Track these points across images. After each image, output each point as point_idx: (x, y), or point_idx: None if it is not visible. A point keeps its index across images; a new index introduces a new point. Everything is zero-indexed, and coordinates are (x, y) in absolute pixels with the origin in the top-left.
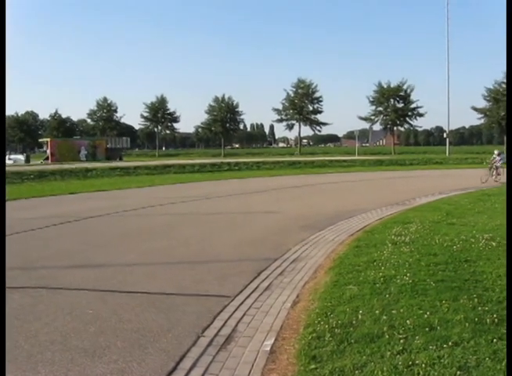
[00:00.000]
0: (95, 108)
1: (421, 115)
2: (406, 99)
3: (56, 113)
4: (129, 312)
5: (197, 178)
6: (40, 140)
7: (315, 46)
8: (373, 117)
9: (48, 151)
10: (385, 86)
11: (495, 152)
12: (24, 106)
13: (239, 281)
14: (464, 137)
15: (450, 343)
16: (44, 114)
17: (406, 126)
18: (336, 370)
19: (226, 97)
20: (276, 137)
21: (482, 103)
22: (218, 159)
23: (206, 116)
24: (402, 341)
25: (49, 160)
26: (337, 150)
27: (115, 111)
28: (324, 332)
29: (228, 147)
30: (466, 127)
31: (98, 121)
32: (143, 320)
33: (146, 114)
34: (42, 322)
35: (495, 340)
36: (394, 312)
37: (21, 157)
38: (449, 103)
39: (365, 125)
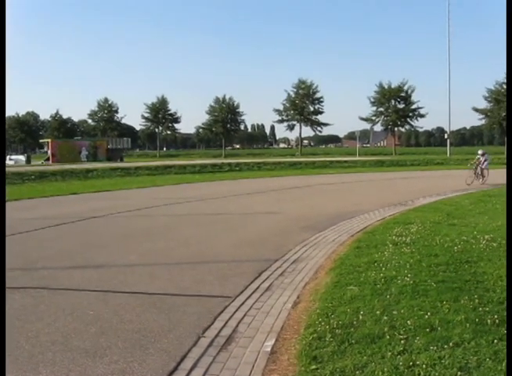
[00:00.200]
0: (96, 109)
1: (422, 116)
2: (407, 99)
3: (57, 113)
4: (130, 312)
5: (198, 178)
6: (41, 141)
7: (315, 46)
8: (373, 118)
9: (49, 152)
10: (386, 87)
11: (479, 152)
12: (25, 106)
13: (239, 282)
14: (465, 138)
15: (451, 344)
16: (45, 115)
17: (407, 127)
18: (337, 370)
19: (227, 98)
20: (277, 138)
21: (483, 104)
22: (218, 160)
23: (207, 116)
24: (402, 341)
25: (50, 161)
26: (337, 151)
27: (116, 112)
28: (325, 333)
29: (229, 148)
30: (467, 128)
31: (99, 122)
32: (144, 321)
33: (146, 115)
34: (43, 322)
35: (496, 341)
36: (395, 312)
37: (22, 158)
38: (450, 103)
39: (366, 126)
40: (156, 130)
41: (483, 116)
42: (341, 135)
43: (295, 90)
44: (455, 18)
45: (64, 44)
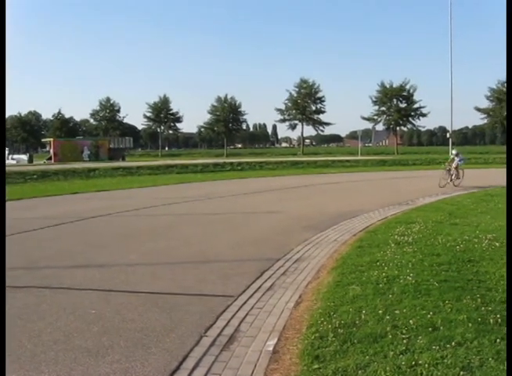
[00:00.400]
0: (98, 108)
1: (424, 115)
2: (409, 99)
3: (59, 113)
4: (132, 311)
5: (200, 178)
6: (43, 140)
7: (316, 46)
8: (375, 117)
9: (51, 151)
10: (388, 86)
11: (453, 152)
12: (27, 106)
13: (241, 281)
14: (467, 137)
15: (453, 343)
16: (47, 114)
17: (409, 126)
18: (339, 369)
19: (229, 97)
20: (279, 137)
21: (485, 103)
22: (220, 159)
23: (208, 116)
24: (405, 341)
25: (52, 160)
26: (339, 150)
27: (118, 111)
28: (327, 332)
29: (231, 147)
30: (470, 127)
31: (101, 121)
32: (146, 320)
33: (148, 114)
34: (45, 321)
35: (498, 340)
36: (397, 312)
37: (24, 157)
38: (452, 102)
39: (368, 125)
40: (158, 129)
41: (485, 115)
42: (343, 135)
43: (297, 89)
44: (456, 18)
45: (64, 44)
